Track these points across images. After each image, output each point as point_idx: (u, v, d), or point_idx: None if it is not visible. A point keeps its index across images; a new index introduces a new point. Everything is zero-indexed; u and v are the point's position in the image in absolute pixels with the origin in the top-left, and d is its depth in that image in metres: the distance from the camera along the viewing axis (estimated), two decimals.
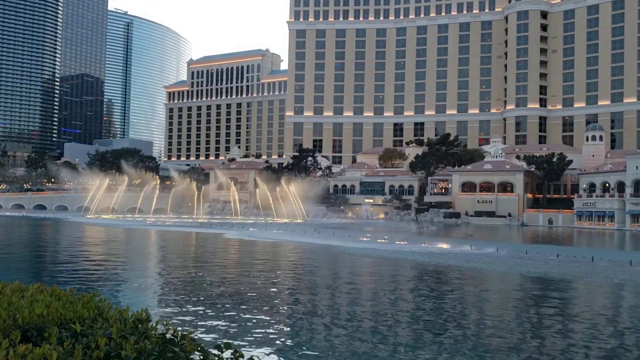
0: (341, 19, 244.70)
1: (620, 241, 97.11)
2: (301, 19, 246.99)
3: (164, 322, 5.65)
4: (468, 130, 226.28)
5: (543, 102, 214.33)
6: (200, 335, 20.08)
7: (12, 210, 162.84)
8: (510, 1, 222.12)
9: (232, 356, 5.04)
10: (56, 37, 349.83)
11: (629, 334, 23.47)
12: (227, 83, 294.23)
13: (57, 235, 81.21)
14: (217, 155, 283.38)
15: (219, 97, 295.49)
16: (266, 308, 26.70)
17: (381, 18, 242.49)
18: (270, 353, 19.02)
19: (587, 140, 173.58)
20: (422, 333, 22.43)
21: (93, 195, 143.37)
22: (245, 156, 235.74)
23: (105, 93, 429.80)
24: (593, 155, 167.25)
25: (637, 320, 27.17)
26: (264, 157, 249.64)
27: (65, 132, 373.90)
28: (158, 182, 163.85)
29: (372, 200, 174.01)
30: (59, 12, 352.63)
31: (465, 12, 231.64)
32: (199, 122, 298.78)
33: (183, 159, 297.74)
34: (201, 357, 5.06)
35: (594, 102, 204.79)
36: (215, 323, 22.99)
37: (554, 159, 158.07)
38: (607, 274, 42.53)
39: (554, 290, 35.20)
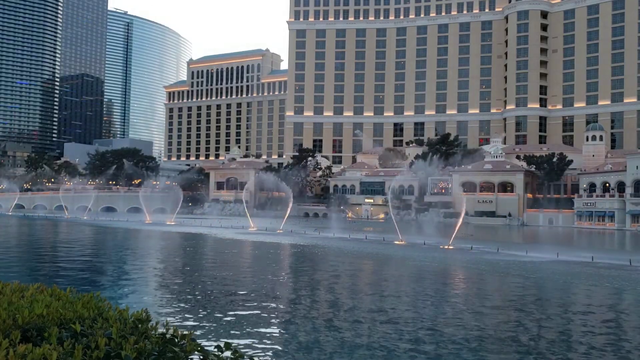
0: (341, 18, 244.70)
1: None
2: (301, 19, 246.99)
3: (164, 322, 5.65)
4: (468, 130, 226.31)
5: (543, 102, 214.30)
6: (200, 336, 20.08)
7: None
8: (510, 1, 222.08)
9: (232, 356, 5.04)
10: (56, 37, 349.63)
11: None
12: (227, 83, 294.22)
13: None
14: (217, 155, 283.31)
15: (219, 97, 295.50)
16: (266, 307, 26.69)
17: (381, 18, 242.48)
18: (270, 353, 19.02)
19: (587, 140, 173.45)
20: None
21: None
22: (245, 156, 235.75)
23: (105, 93, 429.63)
24: (593, 155, 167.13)
25: None
26: (264, 157, 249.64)
27: (65, 132, 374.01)
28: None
29: (372, 200, 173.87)
30: (59, 12, 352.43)
31: (465, 12, 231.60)
32: (199, 122, 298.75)
33: (183, 159, 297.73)
34: (201, 357, 5.06)
35: (594, 102, 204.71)
36: (215, 323, 22.98)
37: (554, 159, 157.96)
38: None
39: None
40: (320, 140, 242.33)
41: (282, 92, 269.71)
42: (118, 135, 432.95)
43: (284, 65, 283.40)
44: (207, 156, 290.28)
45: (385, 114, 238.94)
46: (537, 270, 44.70)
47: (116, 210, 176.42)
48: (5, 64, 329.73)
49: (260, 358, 18.15)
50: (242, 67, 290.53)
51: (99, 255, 53.40)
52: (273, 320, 24.12)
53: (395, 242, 70.02)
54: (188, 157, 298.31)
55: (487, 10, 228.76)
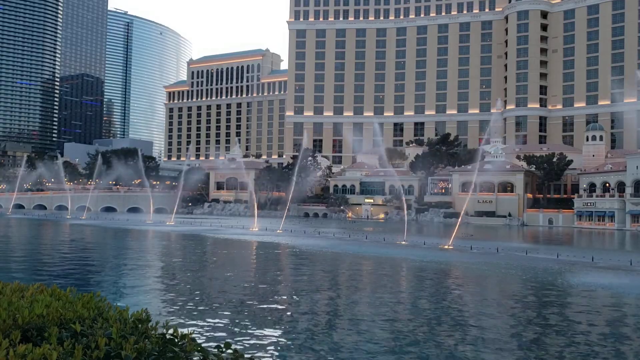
0: (341, 18, 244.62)
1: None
2: (301, 19, 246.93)
3: (164, 322, 5.65)
4: (468, 130, 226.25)
5: (543, 102, 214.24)
6: (200, 336, 20.08)
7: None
8: (510, 1, 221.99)
9: (232, 356, 5.04)
10: (56, 37, 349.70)
11: None
12: (227, 83, 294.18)
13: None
14: (217, 156, 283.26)
15: (219, 97, 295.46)
16: (266, 307, 26.68)
17: (381, 18, 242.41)
18: (270, 353, 19.01)
19: (587, 140, 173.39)
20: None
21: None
22: (245, 156, 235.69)
23: (105, 93, 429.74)
24: (593, 155, 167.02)
25: None
26: (264, 157, 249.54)
27: (66, 132, 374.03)
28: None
29: (372, 200, 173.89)
30: (59, 12, 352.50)
31: (465, 12, 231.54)
32: (199, 122, 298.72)
33: (183, 159, 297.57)
34: (201, 357, 5.06)
35: (594, 102, 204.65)
36: (215, 323, 22.97)
37: (554, 159, 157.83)
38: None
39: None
40: (320, 140, 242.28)
41: (282, 92, 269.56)
42: (118, 135, 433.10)
43: (284, 65, 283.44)
44: (207, 156, 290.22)
45: (385, 114, 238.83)
46: (537, 270, 44.69)
47: (116, 210, 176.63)
48: (5, 64, 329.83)
49: (260, 358, 18.14)
50: (242, 67, 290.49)
51: (99, 255, 53.37)
52: (273, 320, 24.11)
53: (396, 242, 69.97)
54: (188, 157, 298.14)
55: (487, 10, 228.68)
